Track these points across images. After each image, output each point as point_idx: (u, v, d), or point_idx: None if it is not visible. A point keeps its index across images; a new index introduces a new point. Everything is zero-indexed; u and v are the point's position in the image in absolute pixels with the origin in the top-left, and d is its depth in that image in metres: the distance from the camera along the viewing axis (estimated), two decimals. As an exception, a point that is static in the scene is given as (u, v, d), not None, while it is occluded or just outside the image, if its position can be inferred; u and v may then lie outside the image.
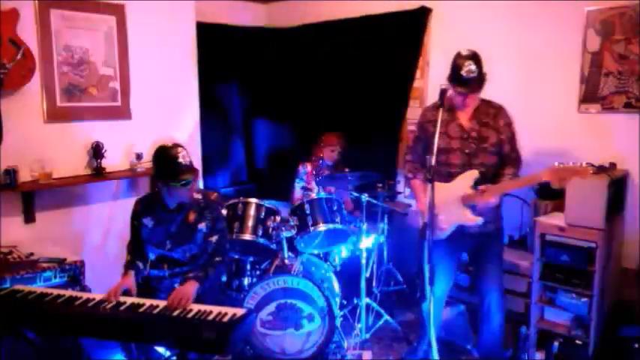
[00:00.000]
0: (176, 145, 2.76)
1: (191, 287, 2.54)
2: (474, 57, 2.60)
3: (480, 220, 2.70)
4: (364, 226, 3.54)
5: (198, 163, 4.39)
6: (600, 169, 2.97)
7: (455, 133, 2.77)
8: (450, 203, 2.74)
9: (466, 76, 2.58)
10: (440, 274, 2.85)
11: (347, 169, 3.97)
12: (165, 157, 2.71)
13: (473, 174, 2.72)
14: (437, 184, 2.80)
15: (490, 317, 2.92)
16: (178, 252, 2.82)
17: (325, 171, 3.99)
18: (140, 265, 2.79)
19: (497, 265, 2.93)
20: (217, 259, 2.78)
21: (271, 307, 3.12)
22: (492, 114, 2.76)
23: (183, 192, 2.72)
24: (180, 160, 2.68)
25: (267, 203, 3.56)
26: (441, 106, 2.47)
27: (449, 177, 2.79)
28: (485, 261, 2.92)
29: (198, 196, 2.87)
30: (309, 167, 4.04)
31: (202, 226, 2.80)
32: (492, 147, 2.75)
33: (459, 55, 2.63)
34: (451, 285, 3.05)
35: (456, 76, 2.62)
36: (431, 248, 2.32)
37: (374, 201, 3.68)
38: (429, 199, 2.35)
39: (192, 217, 2.80)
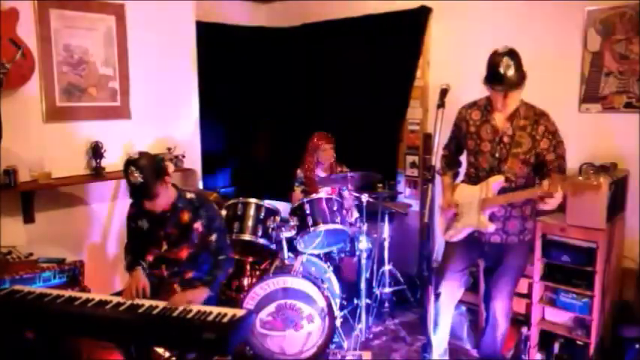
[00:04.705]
0: (129, 161, 2.55)
1: (200, 294, 2.57)
2: (511, 53, 2.47)
3: (492, 227, 2.61)
4: (364, 227, 3.53)
5: (198, 163, 4.40)
6: (601, 169, 2.97)
7: (486, 135, 2.64)
8: (471, 206, 2.68)
9: (504, 72, 2.44)
10: (450, 275, 2.85)
11: (346, 169, 3.96)
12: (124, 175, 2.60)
13: (497, 179, 2.60)
14: (463, 185, 2.80)
15: (495, 323, 2.86)
16: (175, 253, 2.79)
17: (323, 172, 3.98)
18: (143, 264, 2.77)
19: (512, 277, 2.79)
20: (221, 257, 2.78)
21: (271, 308, 3.11)
22: (533, 119, 2.57)
23: (150, 205, 2.62)
24: (131, 179, 2.52)
25: (267, 203, 3.56)
26: (441, 106, 2.40)
27: (477, 180, 2.70)
28: (501, 270, 2.77)
29: (192, 195, 2.83)
30: (307, 171, 3.99)
31: (198, 225, 2.75)
32: (525, 154, 2.57)
33: (495, 53, 2.50)
34: (462, 289, 2.95)
35: (493, 74, 2.49)
36: (431, 249, 2.31)
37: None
38: (429, 199, 2.32)
39: (186, 217, 2.75)
